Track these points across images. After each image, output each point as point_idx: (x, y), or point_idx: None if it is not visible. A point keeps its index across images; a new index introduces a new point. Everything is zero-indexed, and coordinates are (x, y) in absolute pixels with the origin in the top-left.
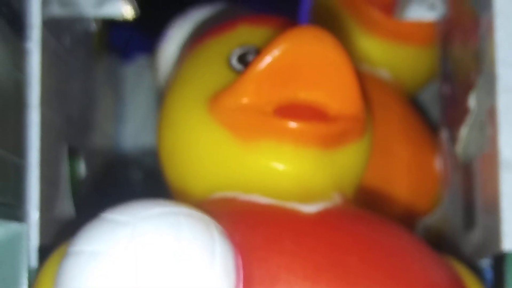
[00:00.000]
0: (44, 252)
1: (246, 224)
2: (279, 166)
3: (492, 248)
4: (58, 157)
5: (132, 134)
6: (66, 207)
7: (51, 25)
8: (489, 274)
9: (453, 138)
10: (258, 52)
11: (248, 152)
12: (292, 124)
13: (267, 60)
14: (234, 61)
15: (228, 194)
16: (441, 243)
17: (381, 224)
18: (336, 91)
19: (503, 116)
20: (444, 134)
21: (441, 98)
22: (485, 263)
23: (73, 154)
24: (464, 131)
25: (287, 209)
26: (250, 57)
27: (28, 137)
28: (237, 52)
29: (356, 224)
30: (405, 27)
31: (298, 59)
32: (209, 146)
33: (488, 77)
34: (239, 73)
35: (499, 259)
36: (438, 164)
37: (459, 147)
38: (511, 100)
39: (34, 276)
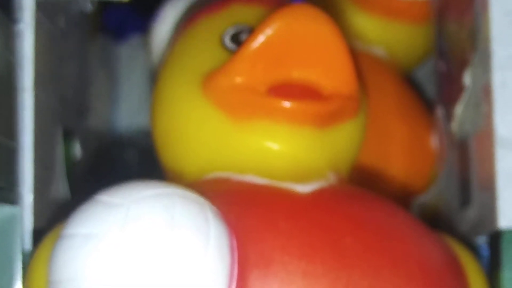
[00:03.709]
0: (39, 234)
1: (240, 204)
2: (273, 146)
3: (488, 225)
4: (52, 139)
5: (127, 115)
6: (61, 189)
7: (45, 7)
8: (485, 251)
9: (448, 116)
10: (252, 31)
11: (242, 132)
12: (286, 104)
13: (260, 39)
14: (227, 41)
15: (222, 175)
16: (437, 221)
17: (376, 203)
18: (329, 70)
19: (498, 94)
20: (439, 112)
21: (437, 76)
22: (481, 240)
23: (68, 136)
24: (459, 109)
25: (281, 189)
26: (243, 37)
27: (22, 120)
28: (230, 31)
29: (351, 203)
30: (400, 4)
31: (291, 38)
32: (202, 126)
33: (483, 55)
34: (232, 53)
35: (495, 237)
36: (434, 141)
37: (455, 125)
38: (506, 78)
39: (28, 259)
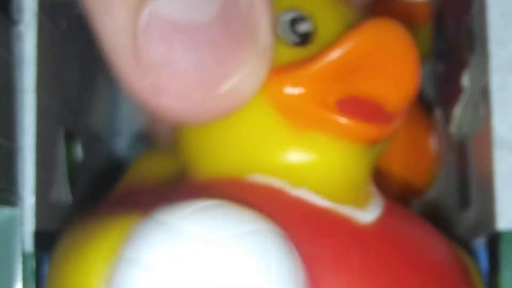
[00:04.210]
0: (40, 236)
1: (311, 232)
2: (330, 160)
3: (486, 227)
4: (54, 141)
5: (128, 116)
6: (62, 192)
7: (46, 8)
8: (482, 254)
9: (447, 117)
10: (310, 19)
11: (300, 140)
12: (350, 122)
13: (336, 53)
14: (284, 29)
15: (274, 183)
16: (436, 222)
17: (414, 221)
18: (399, 87)
19: (496, 95)
20: (438, 113)
21: (435, 77)
22: (478, 243)
23: (69, 138)
24: (458, 110)
25: (345, 217)
26: (302, 26)
27: (23, 121)
28: (286, 16)
29: (406, 230)
30: (398, 6)
31: (369, 53)
32: (255, 124)
33: (481, 56)
34: (290, 46)
35: (494, 238)
36: (432, 143)
37: (453, 126)
38: (504, 79)
39: (29, 261)
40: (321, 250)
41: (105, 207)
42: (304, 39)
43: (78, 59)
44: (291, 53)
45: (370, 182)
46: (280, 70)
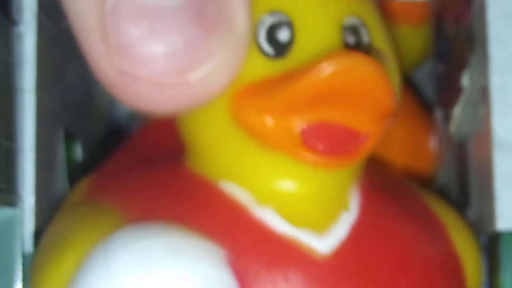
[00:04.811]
0: (40, 237)
1: (264, 261)
2: (296, 181)
3: (486, 227)
4: (54, 141)
5: (128, 115)
6: (62, 191)
7: (46, 8)
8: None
9: (447, 117)
10: (291, 27)
11: (265, 158)
12: (316, 158)
13: (304, 83)
14: (262, 37)
15: (241, 196)
16: None
17: (402, 225)
18: (372, 114)
19: (496, 96)
20: (438, 113)
21: (435, 77)
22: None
23: (69, 138)
24: (457, 111)
25: (303, 247)
26: (281, 34)
27: (23, 121)
28: (266, 21)
29: (375, 253)
30: (398, 6)
31: (339, 83)
32: (223, 136)
33: (481, 57)
34: (266, 58)
35: (494, 238)
36: (432, 143)
37: (453, 127)
38: (504, 80)
39: (29, 261)
40: (269, 282)
41: (100, 175)
42: (282, 49)
43: (78, 59)
44: (265, 67)
45: (350, 186)
46: (249, 91)
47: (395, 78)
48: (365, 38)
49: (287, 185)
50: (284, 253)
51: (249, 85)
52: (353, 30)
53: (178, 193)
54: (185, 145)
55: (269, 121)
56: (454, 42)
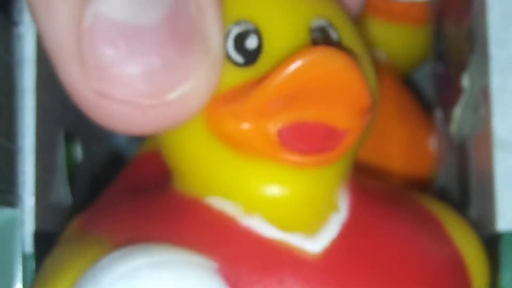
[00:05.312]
0: (40, 237)
1: (255, 268)
2: (280, 185)
3: (486, 227)
4: (54, 142)
5: None
6: (62, 193)
7: None
8: None
9: (447, 118)
10: (258, 34)
11: (247, 166)
12: (294, 158)
13: (275, 82)
14: (231, 46)
15: (228, 208)
16: None
17: (396, 227)
18: (348, 113)
19: (496, 96)
20: (438, 114)
21: (435, 78)
22: None
23: (69, 139)
24: (458, 111)
25: (293, 250)
26: (249, 42)
27: (23, 122)
28: (233, 31)
29: (367, 253)
30: (399, 7)
31: (311, 80)
32: (202, 150)
33: (481, 57)
34: (236, 67)
35: (494, 239)
36: (433, 144)
37: (454, 127)
38: (504, 80)
39: (29, 262)
40: (262, 286)
41: (92, 210)
42: (251, 56)
43: None
44: (236, 76)
45: (339, 187)
46: (222, 100)
47: (370, 74)
48: (334, 36)
49: (272, 190)
50: (276, 258)
51: (222, 95)
52: (321, 30)
53: (165, 214)
54: (171, 169)
55: (245, 126)
56: (455, 43)
